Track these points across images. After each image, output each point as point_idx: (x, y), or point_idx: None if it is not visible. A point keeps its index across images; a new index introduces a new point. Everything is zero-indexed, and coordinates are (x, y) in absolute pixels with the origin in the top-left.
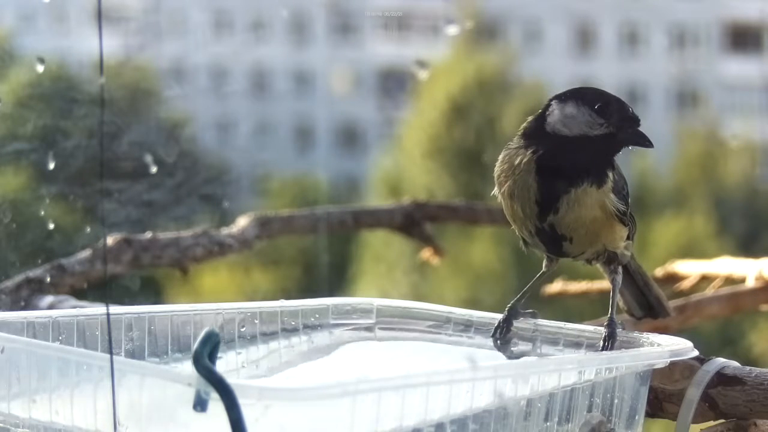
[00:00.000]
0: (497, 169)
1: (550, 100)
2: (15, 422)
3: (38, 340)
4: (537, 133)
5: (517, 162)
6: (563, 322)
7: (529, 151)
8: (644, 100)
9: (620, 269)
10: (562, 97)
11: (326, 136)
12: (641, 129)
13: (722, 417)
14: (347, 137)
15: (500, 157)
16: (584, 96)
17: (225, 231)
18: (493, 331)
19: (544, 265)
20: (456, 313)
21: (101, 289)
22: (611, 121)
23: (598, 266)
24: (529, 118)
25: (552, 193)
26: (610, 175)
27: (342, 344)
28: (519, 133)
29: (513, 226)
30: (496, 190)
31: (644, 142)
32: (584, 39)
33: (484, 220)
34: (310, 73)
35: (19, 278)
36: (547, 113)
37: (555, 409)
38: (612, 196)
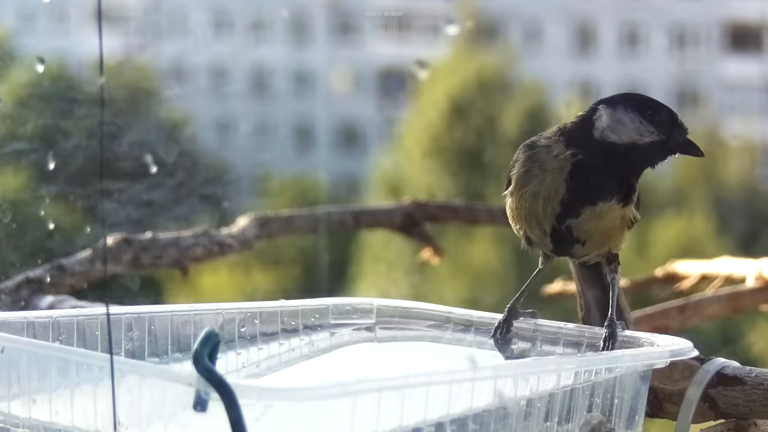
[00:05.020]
0: (519, 168)
1: (597, 104)
2: (15, 422)
3: (38, 340)
4: (581, 136)
5: (550, 159)
6: (563, 322)
7: (569, 152)
8: None
9: (619, 269)
10: (610, 102)
11: (326, 136)
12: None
13: (722, 417)
14: (347, 137)
15: (521, 157)
16: (633, 102)
17: (225, 231)
18: (493, 331)
19: (540, 263)
20: (456, 313)
21: (101, 289)
22: (662, 128)
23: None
24: (574, 119)
25: (578, 198)
26: (637, 189)
27: (342, 344)
28: (554, 133)
29: (520, 226)
30: (510, 189)
31: (695, 150)
32: (584, 39)
33: (484, 220)
34: (310, 73)
35: (19, 278)
36: (595, 117)
37: (555, 409)
38: (632, 208)
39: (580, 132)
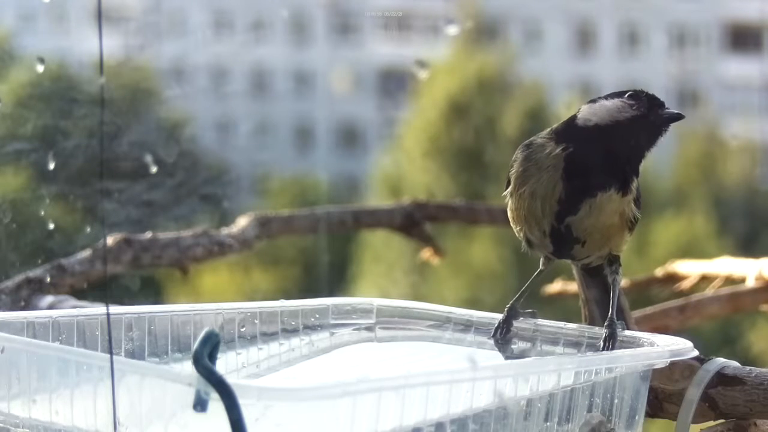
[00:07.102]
0: (517, 168)
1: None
2: (15, 422)
3: (38, 340)
4: (569, 130)
5: (544, 157)
6: (563, 322)
7: (559, 148)
8: None
9: (620, 270)
10: (592, 100)
11: (326, 136)
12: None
13: (722, 417)
14: (347, 137)
15: (519, 157)
16: (615, 92)
17: (225, 231)
18: (493, 331)
19: (541, 264)
20: (456, 313)
21: (101, 289)
22: (641, 104)
23: (576, 268)
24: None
25: (576, 193)
26: (635, 182)
27: (342, 344)
28: (548, 132)
29: (520, 227)
30: (510, 189)
31: (676, 115)
32: (584, 39)
33: (484, 220)
34: (310, 73)
35: (19, 278)
36: (578, 112)
37: (555, 409)
38: (632, 205)
39: (567, 127)
